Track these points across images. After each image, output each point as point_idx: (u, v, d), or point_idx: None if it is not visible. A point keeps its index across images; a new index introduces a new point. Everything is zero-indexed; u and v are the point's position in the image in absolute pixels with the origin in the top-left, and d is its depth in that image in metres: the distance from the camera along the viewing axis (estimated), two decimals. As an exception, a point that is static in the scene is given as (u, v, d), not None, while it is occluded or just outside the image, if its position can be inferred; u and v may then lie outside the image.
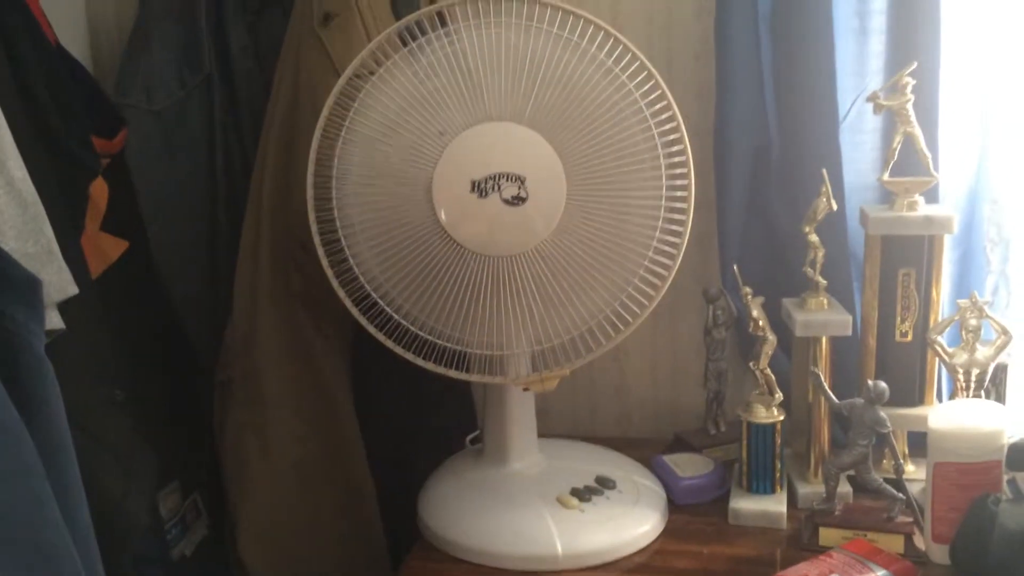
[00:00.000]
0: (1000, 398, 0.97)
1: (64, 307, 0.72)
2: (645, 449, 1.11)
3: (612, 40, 0.86)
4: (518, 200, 0.84)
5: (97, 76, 1.13)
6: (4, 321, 0.58)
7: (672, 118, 0.86)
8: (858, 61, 1.06)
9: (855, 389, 1.04)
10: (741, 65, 1.07)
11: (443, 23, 0.89)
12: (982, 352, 0.95)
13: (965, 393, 0.95)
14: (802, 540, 0.92)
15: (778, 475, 0.98)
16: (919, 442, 1.04)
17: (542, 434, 1.04)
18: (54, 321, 0.70)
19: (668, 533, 0.96)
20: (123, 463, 0.83)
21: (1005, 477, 0.85)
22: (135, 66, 1.11)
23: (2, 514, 0.53)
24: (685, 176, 0.87)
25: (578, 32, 0.86)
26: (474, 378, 0.91)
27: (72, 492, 0.63)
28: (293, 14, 1.05)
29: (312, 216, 0.90)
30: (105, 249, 0.96)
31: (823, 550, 0.88)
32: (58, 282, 0.70)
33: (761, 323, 0.97)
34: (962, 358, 0.95)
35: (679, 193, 0.87)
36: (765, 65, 1.08)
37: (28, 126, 0.80)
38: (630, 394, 1.26)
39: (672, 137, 0.86)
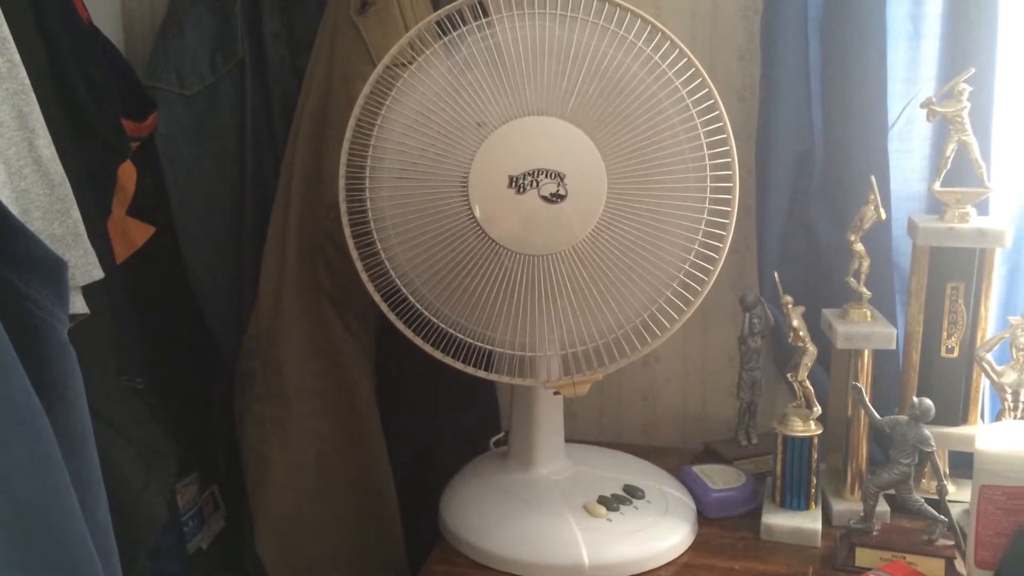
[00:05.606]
0: (1049, 420, 0.93)
1: (87, 292, 0.70)
2: (671, 458, 1.08)
3: (659, 35, 0.83)
4: (557, 197, 0.81)
5: (129, 60, 1.12)
6: (28, 304, 0.56)
7: (718, 118, 0.83)
8: (909, 67, 1.03)
9: (893, 405, 1.01)
10: (787, 67, 1.04)
11: (483, 13, 0.86)
12: (1031, 372, 0.91)
13: (1013, 414, 0.92)
14: (837, 560, 0.88)
15: (813, 491, 0.95)
16: (958, 462, 1.01)
17: (566, 439, 1.01)
18: (78, 305, 0.68)
19: (697, 546, 0.93)
20: (143, 454, 0.81)
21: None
22: (167, 49, 1.09)
23: (21, 505, 0.51)
24: (729, 179, 0.84)
25: (624, 25, 0.83)
26: (504, 379, 0.89)
27: (91, 483, 0.60)
28: (330, 1, 1.03)
29: (343, 208, 0.87)
30: (131, 234, 0.94)
31: (860, 571, 0.85)
32: (83, 265, 0.68)
33: (802, 333, 0.94)
34: (1011, 377, 0.92)
35: (722, 196, 0.84)
36: (812, 68, 1.05)
37: (57, 103, 0.78)
38: (658, 401, 1.23)
39: (717, 138, 0.83)
